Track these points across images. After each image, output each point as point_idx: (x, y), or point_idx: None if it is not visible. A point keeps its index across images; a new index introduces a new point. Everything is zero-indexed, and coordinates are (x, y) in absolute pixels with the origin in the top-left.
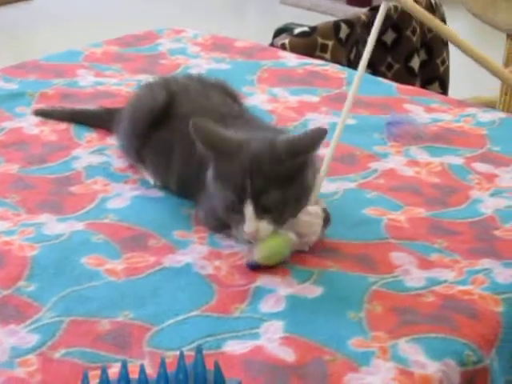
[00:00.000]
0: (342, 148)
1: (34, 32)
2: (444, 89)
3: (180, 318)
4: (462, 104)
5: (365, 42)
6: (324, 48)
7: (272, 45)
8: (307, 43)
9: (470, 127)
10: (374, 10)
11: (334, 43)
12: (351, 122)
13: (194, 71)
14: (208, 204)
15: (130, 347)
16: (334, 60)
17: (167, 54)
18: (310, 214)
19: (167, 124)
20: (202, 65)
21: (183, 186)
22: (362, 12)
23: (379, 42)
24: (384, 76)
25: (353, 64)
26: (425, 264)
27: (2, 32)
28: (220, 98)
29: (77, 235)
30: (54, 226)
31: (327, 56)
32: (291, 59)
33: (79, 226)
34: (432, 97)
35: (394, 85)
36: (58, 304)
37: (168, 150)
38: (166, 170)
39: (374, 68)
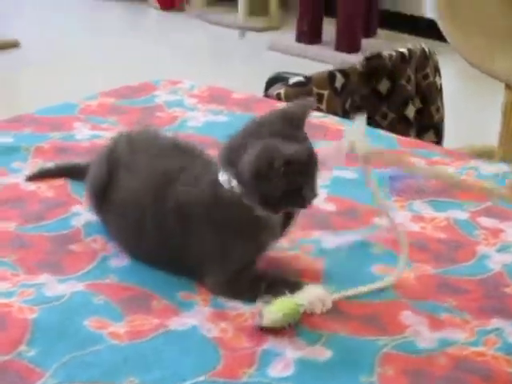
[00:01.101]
0: (343, 202)
1: (20, 79)
2: (439, 137)
3: (187, 383)
4: (463, 157)
5: (360, 91)
6: (320, 98)
7: (267, 95)
8: (303, 93)
9: (473, 180)
10: (370, 59)
11: (329, 93)
12: (352, 175)
13: (191, 124)
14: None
15: None
16: (330, 110)
17: (164, 106)
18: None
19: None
20: (199, 117)
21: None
22: (357, 61)
23: (374, 91)
24: (379, 125)
25: (348, 113)
26: (435, 324)
27: None
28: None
29: (77, 296)
30: (55, 286)
31: (323, 106)
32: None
33: (79, 286)
34: (432, 149)
35: (395, 137)
36: (60, 370)
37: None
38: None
39: (369, 117)
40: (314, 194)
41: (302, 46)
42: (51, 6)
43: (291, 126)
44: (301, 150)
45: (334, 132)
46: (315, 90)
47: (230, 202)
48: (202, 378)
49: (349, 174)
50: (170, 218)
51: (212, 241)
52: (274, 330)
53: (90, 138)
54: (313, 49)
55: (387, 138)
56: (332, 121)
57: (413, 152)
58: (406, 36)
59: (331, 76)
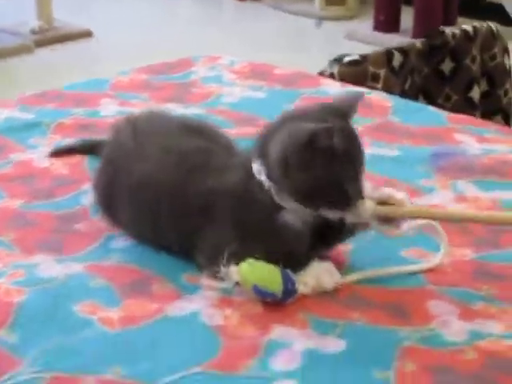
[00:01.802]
0: (380, 180)
1: (92, 69)
2: (508, 121)
3: (178, 375)
4: None
5: (420, 72)
6: (375, 77)
7: (321, 74)
8: (357, 72)
9: None
10: (431, 37)
11: (386, 72)
12: (394, 153)
13: (227, 100)
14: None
15: None
16: (387, 89)
17: (200, 81)
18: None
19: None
20: (236, 93)
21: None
22: (417, 40)
23: (436, 71)
24: (442, 108)
25: (407, 94)
26: (467, 314)
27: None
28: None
29: (73, 278)
30: (50, 267)
31: (379, 86)
32: (334, 87)
33: (78, 268)
34: (487, 126)
35: (444, 113)
36: (41, 358)
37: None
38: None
39: (431, 100)
40: (359, 192)
41: (380, 35)
42: None
43: (335, 116)
44: (335, 127)
45: (379, 108)
46: (371, 69)
47: (259, 200)
48: (195, 370)
49: (387, 150)
50: (190, 203)
51: (232, 236)
52: (282, 319)
53: (116, 114)
54: (390, 37)
55: (435, 114)
56: (379, 97)
57: (463, 128)
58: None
59: (388, 54)
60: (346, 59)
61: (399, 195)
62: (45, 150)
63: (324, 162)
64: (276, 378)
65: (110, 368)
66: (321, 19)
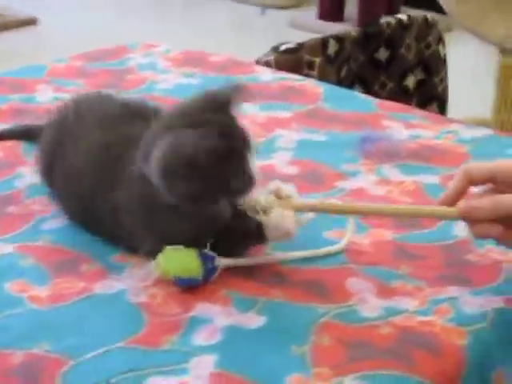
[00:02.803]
0: (307, 165)
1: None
2: (442, 109)
3: (101, 350)
4: (444, 120)
5: (356, 60)
6: (311, 65)
7: (257, 62)
8: (293, 60)
9: (452, 144)
10: (366, 25)
11: (321, 60)
12: (321, 138)
13: (161, 86)
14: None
15: (40, 383)
16: (322, 77)
17: (136, 69)
18: None
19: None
20: (170, 80)
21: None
22: (352, 28)
23: (372, 59)
24: (377, 95)
25: (343, 82)
26: (385, 292)
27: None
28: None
29: (4, 259)
30: None
31: (314, 73)
32: (267, 74)
33: (9, 248)
34: (413, 113)
35: (373, 100)
36: None
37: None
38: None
39: (366, 87)
40: (244, 183)
41: (324, 24)
42: None
43: (217, 111)
44: (215, 145)
45: (311, 95)
46: (307, 56)
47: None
48: (118, 345)
49: (316, 136)
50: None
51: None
52: (206, 297)
53: (52, 100)
54: (334, 26)
55: (364, 100)
56: (311, 84)
57: (391, 115)
58: (433, 15)
59: (324, 42)
60: (283, 47)
61: (287, 188)
62: None
63: (205, 172)
64: (196, 353)
65: (37, 343)
66: (265, 7)
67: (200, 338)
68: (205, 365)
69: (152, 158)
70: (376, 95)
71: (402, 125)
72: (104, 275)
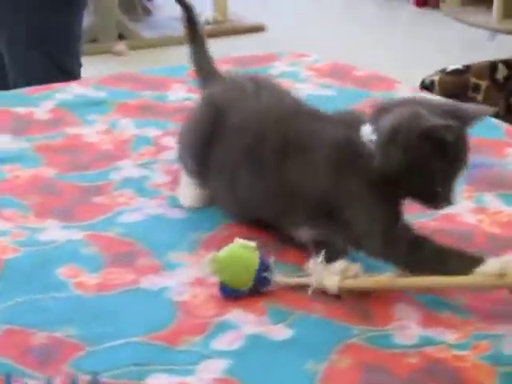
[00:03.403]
0: None
1: None
2: None
3: (119, 342)
4: None
5: None
6: (477, 88)
7: (422, 82)
8: (458, 82)
9: None
10: None
11: (488, 84)
12: None
13: None
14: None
15: (51, 365)
16: (488, 101)
17: (275, 76)
18: None
19: (223, 139)
20: (305, 89)
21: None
22: None
23: None
24: None
25: None
26: (429, 321)
27: None
28: (273, 97)
29: (69, 244)
30: (54, 232)
31: (479, 97)
32: (404, 91)
33: (79, 235)
34: None
35: (504, 126)
36: (7, 310)
37: (228, 166)
38: (229, 189)
39: None
40: (448, 197)
41: None
42: None
43: (457, 119)
44: (453, 128)
45: None
46: (473, 79)
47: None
48: (137, 339)
49: None
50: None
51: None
52: (244, 304)
53: (182, 99)
54: None
55: (494, 127)
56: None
57: None
58: None
59: (492, 66)
60: (450, 68)
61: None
62: (100, 126)
63: (427, 157)
64: (211, 356)
65: (63, 328)
66: (495, 32)
67: (221, 343)
68: (213, 369)
69: (385, 119)
70: None
71: None
72: (156, 271)
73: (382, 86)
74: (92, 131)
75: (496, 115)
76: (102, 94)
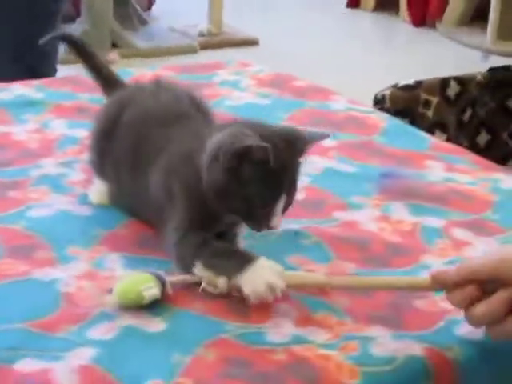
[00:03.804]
0: (315, 193)
1: None
2: None
3: (2, 328)
4: (493, 169)
5: (483, 104)
6: (427, 104)
7: (375, 96)
8: (409, 97)
9: (483, 192)
10: (494, 70)
11: (439, 100)
12: (350, 169)
13: (230, 103)
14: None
15: None
16: (438, 117)
17: (217, 84)
18: None
19: (117, 135)
20: (242, 98)
21: (137, 204)
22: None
23: (502, 106)
24: (506, 145)
25: (466, 126)
26: (305, 320)
27: None
28: (171, 100)
29: None
30: None
31: (429, 113)
32: (340, 103)
33: None
34: (467, 157)
35: (430, 140)
36: None
37: (118, 163)
38: (119, 186)
39: (494, 134)
40: (267, 222)
41: None
42: (300, 8)
43: (286, 142)
44: (268, 149)
45: (371, 127)
46: (423, 95)
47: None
48: (17, 325)
49: (346, 167)
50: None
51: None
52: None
53: None
54: None
55: (421, 139)
56: (377, 117)
57: (439, 156)
58: None
59: (444, 83)
60: (401, 83)
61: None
62: (31, 125)
63: (246, 177)
64: (83, 344)
65: None
66: (488, 54)
67: (97, 332)
68: (81, 357)
69: (211, 142)
70: (504, 144)
71: (444, 167)
72: (52, 264)
73: (319, 97)
74: (22, 130)
75: (446, 131)
76: (40, 95)
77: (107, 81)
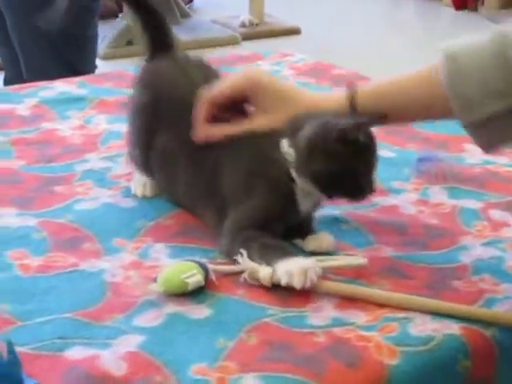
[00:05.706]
0: None
1: None
2: None
3: (48, 317)
4: None
5: None
6: None
7: None
8: None
9: None
10: None
11: None
12: (390, 154)
13: None
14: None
15: None
16: None
17: None
18: None
19: (165, 127)
20: None
21: (192, 197)
22: None
23: None
24: None
25: None
26: (344, 304)
27: None
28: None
29: (21, 230)
30: (7, 219)
31: None
32: None
33: (32, 221)
34: None
35: None
36: None
37: (171, 156)
38: (173, 180)
39: None
40: (371, 187)
41: None
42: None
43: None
44: (363, 128)
45: None
46: None
47: (274, 161)
48: (65, 315)
49: (387, 152)
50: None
51: (238, 187)
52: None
53: None
54: None
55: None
56: None
57: None
58: None
59: None
60: None
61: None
62: (75, 122)
63: (346, 156)
64: (129, 332)
65: (1, 304)
66: None
67: (142, 320)
68: (128, 343)
69: (301, 134)
70: None
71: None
72: (98, 255)
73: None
74: (66, 126)
75: None
76: (82, 92)
77: (158, 43)
